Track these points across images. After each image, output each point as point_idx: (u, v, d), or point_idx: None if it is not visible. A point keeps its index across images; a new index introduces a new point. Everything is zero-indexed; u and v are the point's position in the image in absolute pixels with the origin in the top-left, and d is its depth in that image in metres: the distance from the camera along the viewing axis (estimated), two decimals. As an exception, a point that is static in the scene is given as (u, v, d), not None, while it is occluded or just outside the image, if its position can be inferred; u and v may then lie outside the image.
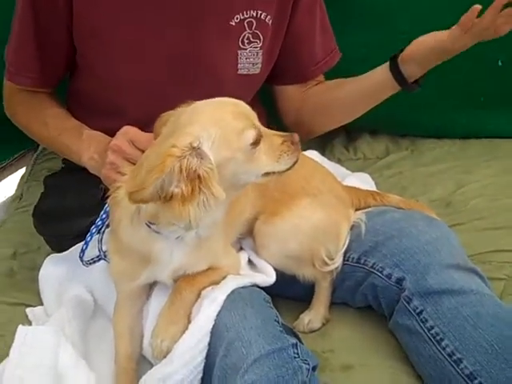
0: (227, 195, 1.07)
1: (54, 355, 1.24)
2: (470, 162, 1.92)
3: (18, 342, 1.26)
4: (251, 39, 1.49)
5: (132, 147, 1.25)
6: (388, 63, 1.50)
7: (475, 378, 1.15)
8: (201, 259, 1.23)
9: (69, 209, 1.52)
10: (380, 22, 1.92)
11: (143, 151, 1.22)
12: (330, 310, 1.43)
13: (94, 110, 1.51)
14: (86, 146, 1.39)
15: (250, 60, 1.51)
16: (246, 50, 1.50)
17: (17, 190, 2.07)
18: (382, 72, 1.51)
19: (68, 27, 1.43)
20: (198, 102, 1.16)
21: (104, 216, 1.30)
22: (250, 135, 1.09)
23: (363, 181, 1.66)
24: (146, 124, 1.29)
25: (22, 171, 2.28)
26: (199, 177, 1.04)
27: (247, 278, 1.29)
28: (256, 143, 1.10)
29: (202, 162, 1.04)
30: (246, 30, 1.48)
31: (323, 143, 2.02)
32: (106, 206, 1.28)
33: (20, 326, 1.30)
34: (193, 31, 1.44)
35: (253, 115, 1.14)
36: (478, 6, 1.30)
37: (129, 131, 1.27)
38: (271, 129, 1.18)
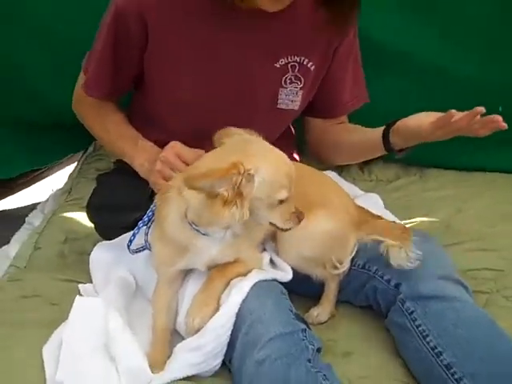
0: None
1: (104, 321, 1.41)
2: (470, 191, 2.11)
3: (75, 309, 1.45)
4: (293, 80, 1.63)
5: (177, 160, 1.45)
6: (384, 127, 1.63)
7: (451, 368, 1.33)
8: (231, 253, 1.42)
9: (118, 203, 1.68)
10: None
11: (187, 164, 1.43)
12: (336, 306, 1.59)
13: (148, 123, 1.67)
14: (139, 153, 1.58)
15: (290, 97, 1.65)
16: (286, 88, 1.63)
17: (66, 185, 2.25)
18: (379, 133, 1.65)
19: (142, 51, 1.58)
20: (266, 144, 1.35)
21: (150, 213, 1.48)
22: (283, 195, 1.30)
23: (373, 201, 1.83)
24: (189, 140, 1.50)
25: (68, 168, 2.51)
26: (241, 194, 1.25)
27: (269, 273, 1.46)
28: (281, 202, 1.31)
29: (249, 187, 1.26)
30: (289, 72, 1.62)
31: (341, 166, 2.16)
32: (153, 205, 1.47)
33: (77, 297, 1.49)
34: (247, 68, 1.59)
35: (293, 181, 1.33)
36: (453, 113, 1.40)
37: (176, 146, 1.47)
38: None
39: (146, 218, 1.50)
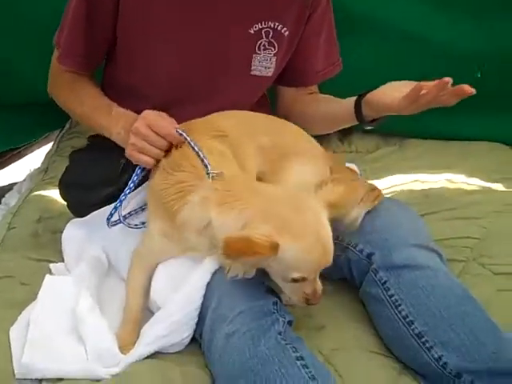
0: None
1: (74, 301, 1.40)
2: (449, 160, 2.09)
3: (44, 288, 1.44)
4: (267, 46, 1.62)
5: (149, 131, 1.40)
6: (355, 98, 1.60)
7: (423, 337, 1.32)
8: None
9: (89, 180, 1.65)
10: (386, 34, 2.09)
11: (159, 134, 1.39)
12: None
13: (123, 95, 1.62)
14: (114, 122, 1.53)
15: (263, 64, 1.63)
16: (260, 54, 1.62)
17: (43, 164, 2.23)
18: (351, 103, 1.61)
19: (114, 18, 1.55)
20: (321, 217, 1.25)
21: (131, 186, 1.46)
22: (296, 275, 1.23)
23: None
24: (165, 107, 1.48)
25: (46, 147, 2.47)
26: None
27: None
28: (296, 281, 1.24)
29: (267, 259, 1.21)
30: (262, 38, 1.61)
31: (320, 137, 2.14)
32: (135, 177, 1.45)
33: (47, 276, 1.48)
34: (219, 34, 1.57)
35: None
36: (422, 85, 1.37)
37: (147, 116, 1.43)
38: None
39: (127, 191, 1.48)
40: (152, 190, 1.45)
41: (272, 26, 1.60)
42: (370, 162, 2.13)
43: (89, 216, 1.64)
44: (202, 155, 1.36)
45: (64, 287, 1.46)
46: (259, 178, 1.45)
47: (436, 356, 1.31)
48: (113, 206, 1.52)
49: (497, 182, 2.00)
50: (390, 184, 1.99)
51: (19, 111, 2.29)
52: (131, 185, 1.47)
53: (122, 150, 1.64)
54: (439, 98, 1.40)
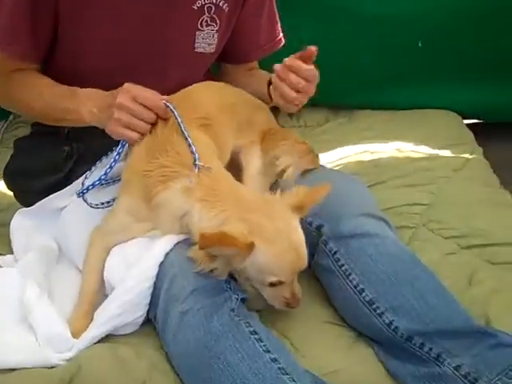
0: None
1: (20, 291, 1.37)
2: (397, 130, 2.10)
3: None
4: (209, 22, 1.60)
5: (135, 104, 1.36)
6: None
7: (374, 303, 1.34)
8: None
9: (36, 167, 1.62)
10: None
11: (145, 106, 1.36)
12: None
13: (64, 74, 1.56)
14: (83, 103, 1.46)
15: (207, 41, 1.61)
16: (203, 31, 1.60)
17: None
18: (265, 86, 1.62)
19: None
20: (292, 222, 1.29)
21: (113, 164, 1.41)
22: (272, 279, 1.26)
23: None
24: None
25: (-8, 138, 2.44)
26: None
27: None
28: (273, 285, 1.27)
29: (239, 262, 1.25)
30: (205, 14, 1.59)
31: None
32: (116, 156, 1.40)
33: None
34: (162, 12, 1.53)
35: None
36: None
37: (131, 89, 1.38)
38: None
39: (108, 170, 1.43)
40: (131, 169, 1.41)
41: (214, 1, 1.59)
42: (319, 135, 2.12)
43: (36, 205, 1.61)
44: (190, 141, 1.35)
45: (9, 279, 1.44)
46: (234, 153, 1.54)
47: (387, 321, 1.32)
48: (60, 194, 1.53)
49: (445, 149, 2.02)
50: (340, 156, 2.00)
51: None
52: (113, 163, 1.42)
53: (67, 136, 1.63)
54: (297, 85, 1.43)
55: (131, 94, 1.38)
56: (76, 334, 1.35)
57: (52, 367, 1.30)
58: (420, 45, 2.09)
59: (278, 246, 1.26)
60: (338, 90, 2.18)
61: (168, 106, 1.40)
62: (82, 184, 1.46)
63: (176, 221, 1.33)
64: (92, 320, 1.38)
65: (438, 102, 2.24)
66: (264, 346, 1.23)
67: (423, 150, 2.00)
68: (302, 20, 2.06)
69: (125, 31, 1.53)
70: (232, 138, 1.55)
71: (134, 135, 1.39)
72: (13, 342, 1.32)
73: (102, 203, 1.49)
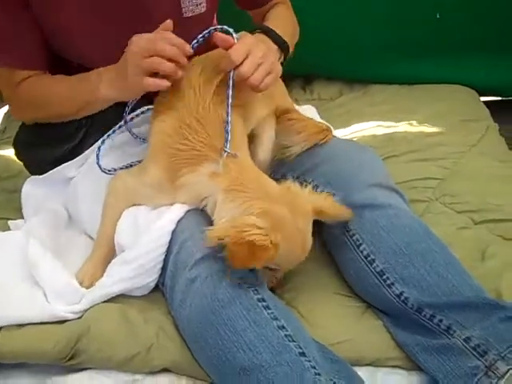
0: None
1: (23, 249, 1.39)
2: (413, 104, 2.06)
3: None
4: None
5: (152, 42, 1.25)
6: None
7: (384, 274, 1.32)
8: None
9: (46, 137, 1.58)
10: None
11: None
12: None
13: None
14: (98, 78, 1.39)
15: (193, 2, 1.49)
16: None
17: (1, 124, 2.17)
18: None
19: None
20: (305, 222, 1.28)
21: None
22: (272, 266, 1.28)
23: (310, 112, 1.81)
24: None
25: (4, 108, 2.44)
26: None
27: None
28: (269, 269, 1.29)
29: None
30: None
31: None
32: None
33: None
34: None
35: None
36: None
37: (140, 36, 1.27)
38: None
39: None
40: (159, 139, 1.37)
41: None
42: (333, 109, 2.09)
43: (48, 173, 1.61)
44: (228, 128, 1.31)
45: (13, 240, 1.45)
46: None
47: (397, 292, 1.31)
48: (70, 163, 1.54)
49: (460, 124, 1.98)
50: (354, 129, 1.97)
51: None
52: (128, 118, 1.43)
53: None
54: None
55: (142, 38, 1.28)
56: (90, 279, 1.38)
57: (60, 322, 1.31)
58: (438, 16, 2.05)
59: (292, 244, 1.26)
60: (352, 63, 2.17)
61: (230, 33, 1.31)
62: (97, 156, 1.46)
63: (197, 203, 1.34)
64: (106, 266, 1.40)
65: (454, 77, 2.19)
66: (271, 313, 1.22)
67: (438, 125, 1.96)
68: None
69: (106, 16, 1.44)
70: (257, 110, 1.50)
71: (162, 83, 1.28)
72: (19, 299, 1.33)
73: (115, 169, 1.49)
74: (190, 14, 1.51)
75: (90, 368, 1.31)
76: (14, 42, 1.45)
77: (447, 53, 2.14)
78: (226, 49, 1.30)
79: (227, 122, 1.31)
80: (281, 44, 1.50)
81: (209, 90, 1.35)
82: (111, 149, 1.52)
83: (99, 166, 1.47)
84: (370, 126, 1.99)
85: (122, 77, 1.33)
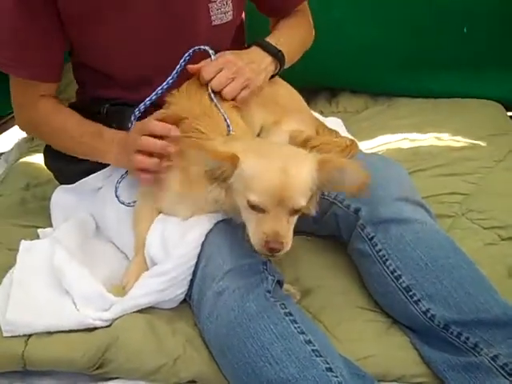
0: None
1: (50, 257, 1.41)
2: (438, 118, 2.07)
3: (20, 252, 1.46)
4: None
5: (143, 138, 1.35)
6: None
7: (410, 290, 1.32)
8: None
9: None
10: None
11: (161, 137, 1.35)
12: (298, 240, 1.49)
13: (96, 79, 1.59)
14: (108, 146, 1.48)
15: (221, 10, 1.55)
16: (215, 1, 1.53)
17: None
18: None
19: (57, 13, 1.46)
20: (285, 151, 1.29)
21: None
22: (253, 199, 1.21)
23: (335, 124, 1.81)
24: (137, 85, 1.48)
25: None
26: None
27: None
28: (254, 208, 1.22)
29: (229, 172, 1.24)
30: None
31: (308, 98, 2.06)
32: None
33: (22, 241, 1.49)
34: None
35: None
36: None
37: (143, 127, 1.37)
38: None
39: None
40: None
41: None
42: (359, 122, 2.10)
43: (77, 183, 1.64)
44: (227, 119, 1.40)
45: (42, 248, 1.47)
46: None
47: (424, 309, 1.31)
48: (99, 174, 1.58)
49: (486, 139, 1.98)
50: (379, 143, 1.98)
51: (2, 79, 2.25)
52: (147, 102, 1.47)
53: (105, 116, 1.60)
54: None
55: (137, 129, 1.39)
56: (130, 282, 1.40)
57: (89, 330, 1.33)
58: (465, 31, 2.05)
59: (266, 160, 1.23)
60: (377, 76, 2.18)
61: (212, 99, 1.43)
62: (116, 192, 1.51)
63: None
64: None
65: (481, 91, 2.19)
66: (298, 327, 1.22)
67: (464, 139, 1.96)
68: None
69: (137, 22, 1.49)
70: (260, 114, 1.54)
71: (149, 177, 1.40)
72: (48, 307, 1.35)
73: (135, 202, 1.51)
74: (219, 22, 1.57)
75: (117, 377, 1.32)
76: (40, 54, 1.50)
77: (473, 67, 2.14)
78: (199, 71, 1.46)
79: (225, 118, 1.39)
80: (275, 54, 1.57)
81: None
82: (129, 183, 1.54)
83: (119, 200, 1.50)
84: (395, 139, 2.00)
85: (125, 159, 1.43)
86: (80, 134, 1.53)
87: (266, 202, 1.21)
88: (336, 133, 1.65)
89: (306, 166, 1.24)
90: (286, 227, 1.23)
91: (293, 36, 1.67)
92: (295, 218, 1.25)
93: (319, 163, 1.25)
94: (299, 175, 1.23)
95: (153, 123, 1.37)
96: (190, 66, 1.48)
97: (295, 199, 1.22)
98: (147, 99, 1.47)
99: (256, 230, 1.23)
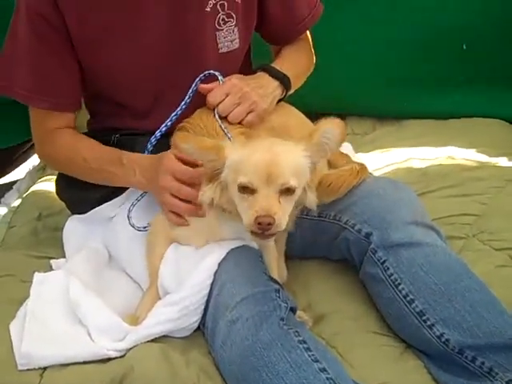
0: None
1: (64, 289, 1.42)
2: (446, 138, 2.06)
3: (34, 284, 1.46)
4: (226, 19, 1.57)
5: (176, 182, 1.38)
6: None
7: (424, 315, 1.32)
8: None
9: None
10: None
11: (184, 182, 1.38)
12: (310, 264, 1.60)
13: (115, 111, 1.63)
14: (130, 170, 1.49)
15: (228, 38, 1.59)
16: (222, 30, 1.57)
17: (41, 162, 2.20)
18: None
19: (68, 39, 1.50)
20: (270, 139, 1.34)
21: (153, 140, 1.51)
22: (243, 180, 1.23)
23: (345, 149, 1.78)
24: (144, 114, 1.50)
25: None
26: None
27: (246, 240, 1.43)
28: (245, 190, 1.24)
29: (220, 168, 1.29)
30: (219, 13, 1.56)
31: (316, 120, 2.16)
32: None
33: (36, 273, 1.50)
34: (176, 23, 1.52)
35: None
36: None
37: (169, 167, 1.39)
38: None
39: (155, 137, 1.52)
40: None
41: None
42: (367, 144, 2.11)
43: (89, 213, 1.65)
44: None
45: (55, 280, 1.48)
46: None
47: (438, 333, 1.31)
48: (111, 203, 1.58)
49: (496, 158, 1.98)
50: (388, 163, 1.98)
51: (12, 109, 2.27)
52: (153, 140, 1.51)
53: (116, 145, 1.62)
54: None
55: (170, 171, 1.39)
56: (143, 313, 1.41)
57: (103, 361, 1.33)
58: (464, 47, 2.06)
59: (253, 147, 1.29)
60: (383, 99, 2.18)
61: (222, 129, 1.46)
62: (128, 218, 1.52)
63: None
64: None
65: (489, 110, 2.20)
66: (313, 355, 1.22)
67: (473, 159, 1.96)
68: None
69: (147, 47, 1.53)
70: None
71: (181, 221, 1.42)
72: (62, 338, 1.36)
73: (145, 227, 1.52)
74: (226, 50, 1.60)
75: (133, 407, 1.32)
76: (59, 84, 1.54)
77: (477, 85, 2.15)
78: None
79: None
80: (281, 78, 1.60)
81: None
82: (140, 208, 1.55)
83: (132, 226, 1.51)
84: (404, 159, 2.00)
85: (151, 186, 1.47)
86: (99, 161, 1.54)
87: (254, 180, 1.23)
88: (347, 156, 1.65)
89: (292, 144, 1.30)
90: (276, 205, 1.24)
91: (296, 62, 1.71)
92: (290, 200, 1.27)
93: (305, 140, 1.29)
94: (285, 152, 1.27)
95: (182, 169, 1.38)
96: (201, 86, 1.52)
97: (284, 176, 1.24)
98: (163, 126, 1.51)
99: (247, 211, 1.25)
